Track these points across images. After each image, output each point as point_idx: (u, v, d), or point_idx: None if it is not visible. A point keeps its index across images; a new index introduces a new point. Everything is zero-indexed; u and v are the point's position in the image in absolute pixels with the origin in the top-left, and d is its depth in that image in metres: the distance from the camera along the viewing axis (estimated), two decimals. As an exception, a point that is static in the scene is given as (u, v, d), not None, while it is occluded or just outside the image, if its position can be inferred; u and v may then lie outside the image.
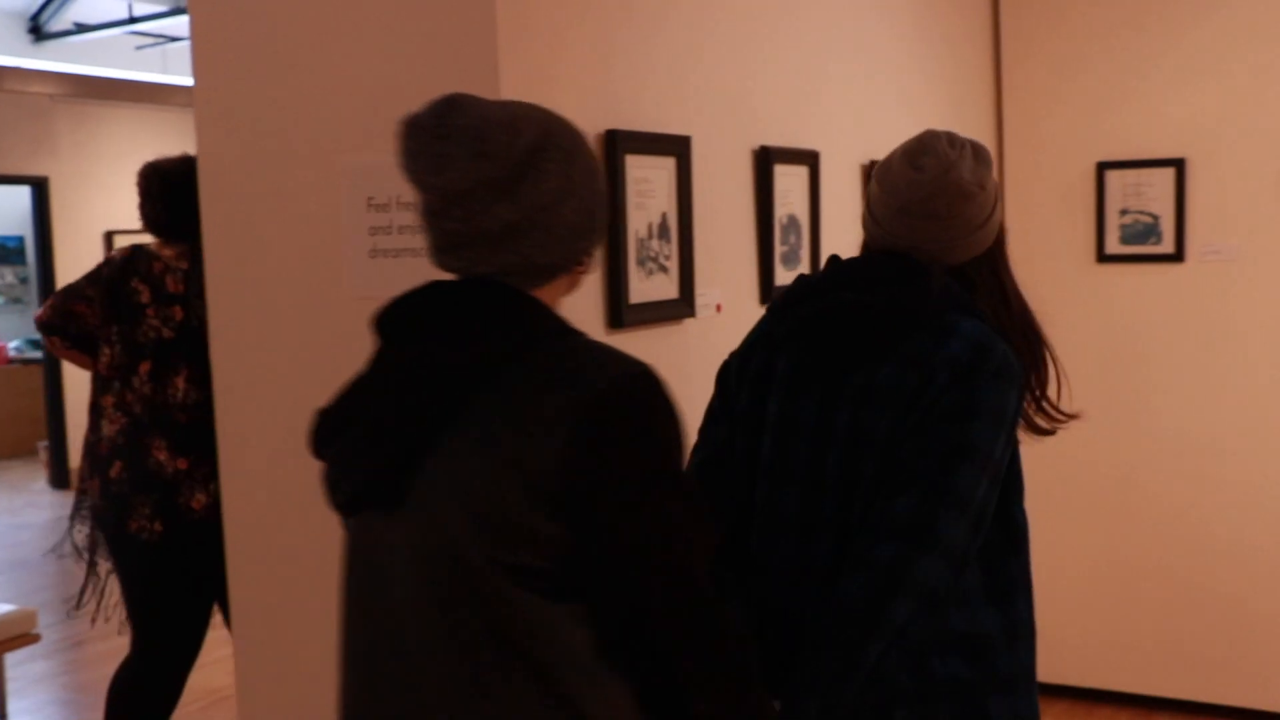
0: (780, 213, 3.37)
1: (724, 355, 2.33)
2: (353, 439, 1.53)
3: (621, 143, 2.69)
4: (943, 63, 4.57)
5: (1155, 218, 4.80)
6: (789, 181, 3.40)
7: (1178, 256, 4.77)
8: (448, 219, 1.53)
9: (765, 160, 3.28)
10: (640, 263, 2.78)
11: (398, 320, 1.57)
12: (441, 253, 1.58)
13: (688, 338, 3.00)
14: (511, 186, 1.51)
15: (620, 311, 2.71)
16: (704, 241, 3.03)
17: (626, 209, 2.72)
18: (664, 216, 2.87)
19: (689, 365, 3.00)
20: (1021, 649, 2.05)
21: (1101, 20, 4.86)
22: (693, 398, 2.98)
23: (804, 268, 3.50)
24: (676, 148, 2.89)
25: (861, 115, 3.88)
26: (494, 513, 1.42)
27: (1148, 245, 4.80)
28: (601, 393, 1.45)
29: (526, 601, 1.43)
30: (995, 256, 2.09)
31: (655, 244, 2.84)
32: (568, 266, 1.63)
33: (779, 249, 3.36)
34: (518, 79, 2.43)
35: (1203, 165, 4.72)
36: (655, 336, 2.86)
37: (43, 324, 3.64)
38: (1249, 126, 4.64)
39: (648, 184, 2.80)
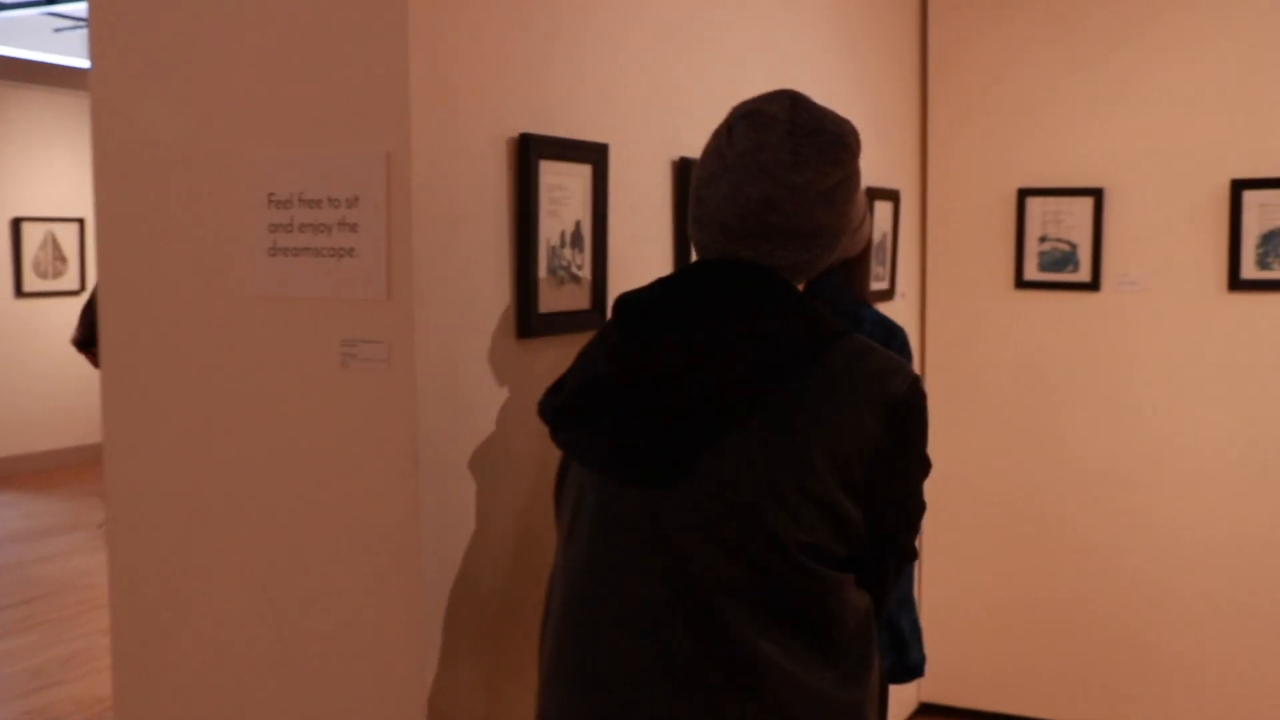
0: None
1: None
2: (637, 414, 1.56)
3: (535, 148, 2.61)
4: (868, 84, 4.56)
5: (1073, 246, 4.82)
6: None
7: (1094, 285, 4.79)
8: (775, 212, 1.60)
9: (686, 172, 3.21)
10: (551, 271, 2.71)
11: (676, 301, 1.62)
12: (737, 238, 1.64)
13: (598, 350, 2.92)
14: (833, 194, 1.62)
15: (529, 321, 2.63)
16: (619, 252, 2.96)
17: (539, 216, 2.65)
18: (578, 225, 2.80)
19: (599, 378, 2.93)
20: None
21: (1025, 47, 4.88)
22: None
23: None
24: (593, 155, 2.82)
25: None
26: (803, 493, 1.52)
27: (1065, 273, 4.82)
28: (905, 395, 1.60)
29: (821, 574, 1.56)
30: (862, 258, 2.29)
31: (568, 253, 2.77)
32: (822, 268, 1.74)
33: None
34: (427, 76, 2.35)
35: (1120, 195, 4.75)
36: (566, 346, 2.78)
37: (77, 343, 3.58)
38: (1165, 157, 4.67)
39: (562, 191, 2.73)
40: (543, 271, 2.68)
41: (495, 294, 2.57)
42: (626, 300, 1.71)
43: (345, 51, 2.38)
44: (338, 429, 2.45)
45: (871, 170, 4.51)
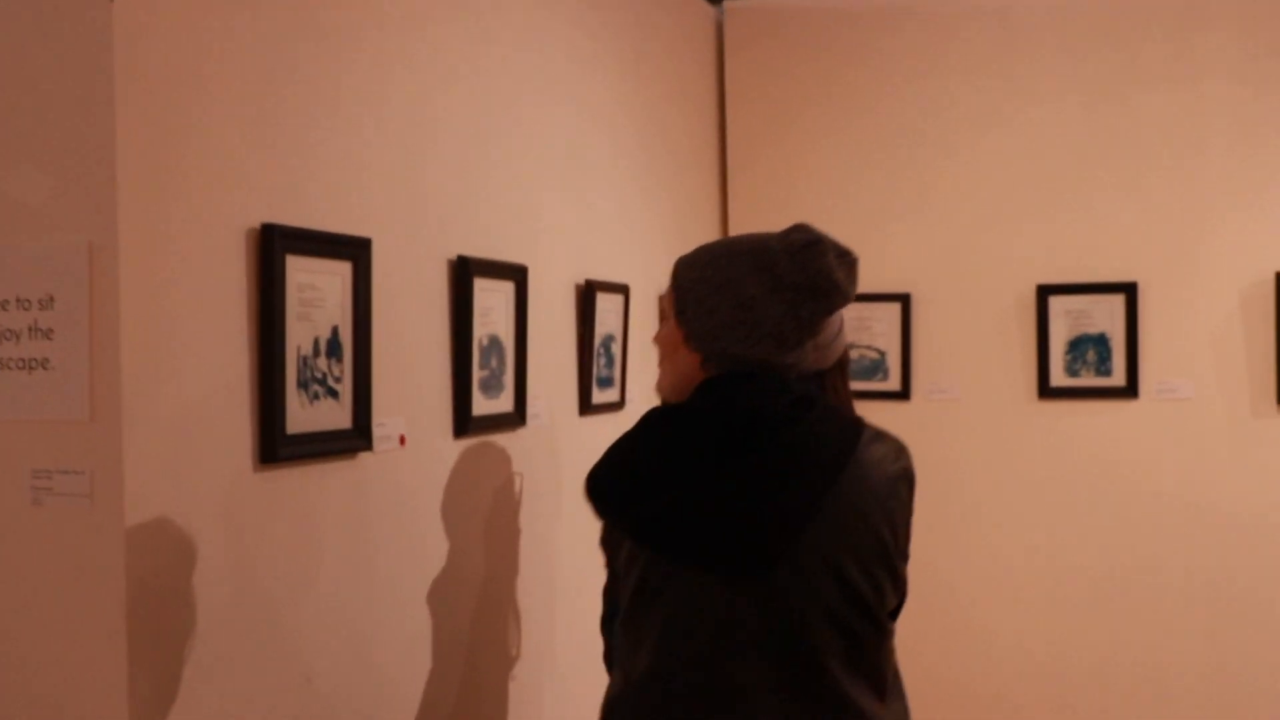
0: (480, 332, 2.96)
1: (410, 496, 1.89)
2: (744, 519, 1.78)
3: (280, 241, 2.23)
4: (665, 186, 4.31)
5: (882, 353, 4.63)
6: (491, 298, 3.01)
7: (904, 394, 4.60)
8: (824, 328, 1.92)
9: (464, 272, 2.87)
10: (302, 385, 2.31)
11: (763, 410, 1.82)
12: (789, 348, 1.89)
13: (364, 474, 2.53)
14: None
15: (274, 443, 2.22)
16: (387, 362, 2.59)
17: (285, 320, 2.26)
18: (335, 330, 2.41)
19: (364, 508, 2.52)
20: None
21: (822, 147, 4.73)
22: (374, 543, 2.54)
23: (508, 395, 3.09)
24: (353, 251, 2.45)
25: (575, 232, 3.53)
26: (879, 562, 1.83)
27: (875, 381, 4.62)
28: (910, 466, 1.93)
29: (888, 630, 1.89)
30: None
31: (323, 363, 2.38)
32: None
33: (477, 373, 2.94)
34: (140, 154, 1.96)
35: (927, 300, 4.60)
36: (319, 474, 2.38)
37: None
38: (972, 263, 4.55)
39: (314, 291, 2.35)
40: (291, 385, 2.28)
41: (232, 413, 2.16)
42: (680, 413, 1.88)
43: (40, 124, 1.97)
44: (27, 581, 1.99)
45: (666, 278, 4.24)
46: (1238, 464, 4.33)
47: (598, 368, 3.63)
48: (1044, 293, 4.47)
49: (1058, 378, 4.48)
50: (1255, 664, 4.31)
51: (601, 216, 3.73)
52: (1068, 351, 4.47)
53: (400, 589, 2.66)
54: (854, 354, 4.60)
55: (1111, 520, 4.44)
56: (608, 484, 1.91)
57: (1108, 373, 4.44)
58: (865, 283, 4.13)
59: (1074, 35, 4.48)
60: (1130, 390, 4.41)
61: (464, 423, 2.89)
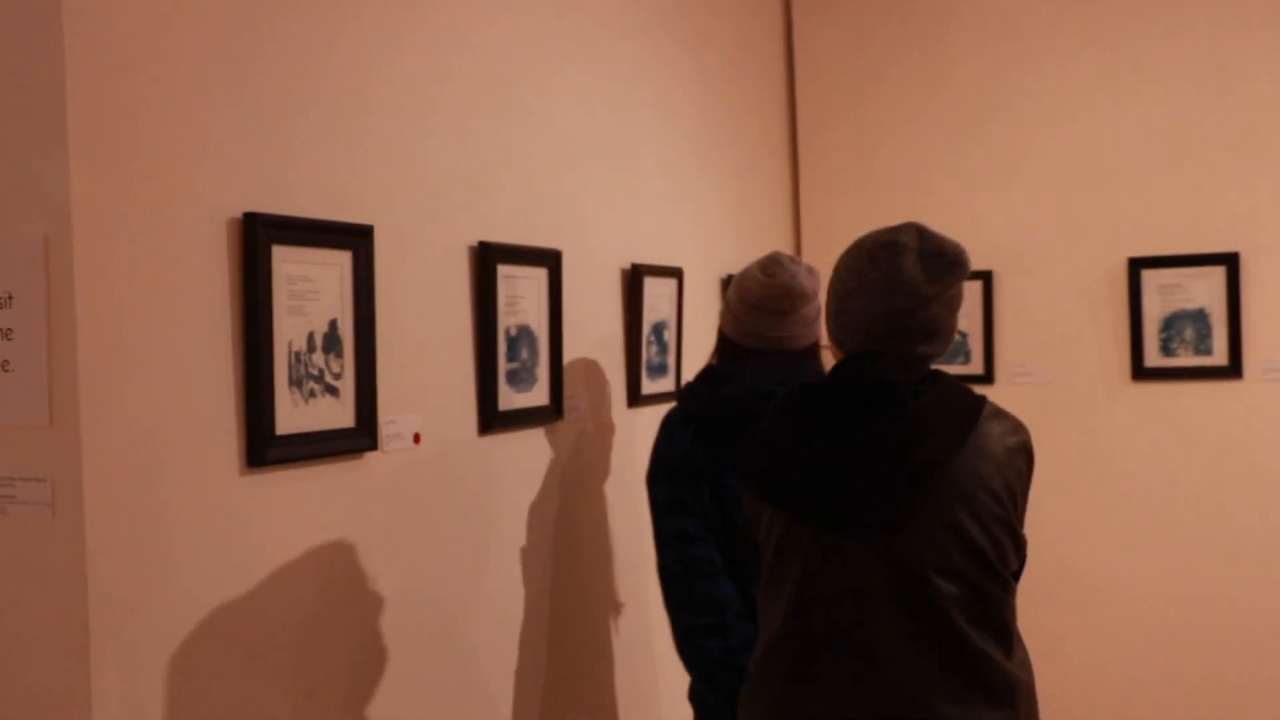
0: (508, 322, 2.81)
1: (428, 496, 1.73)
2: (877, 481, 1.92)
3: (266, 230, 2.10)
4: (733, 164, 4.12)
5: (963, 335, 4.39)
6: (520, 285, 2.85)
7: (987, 377, 4.36)
8: (911, 318, 2.00)
9: (486, 258, 2.72)
10: (295, 383, 2.18)
11: (879, 374, 1.97)
12: (876, 339, 2.02)
13: (371, 475, 2.39)
14: (952, 301, 2.06)
15: (262, 445, 2.10)
16: (397, 357, 2.45)
17: (273, 314, 2.13)
18: (333, 324, 2.28)
19: (371, 509, 2.39)
20: None
21: (897, 118, 4.49)
22: (383, 546, 2.31)
23: (542, 388, 2.94)
24: (352, 240, 2.31)
25: (619, 213, 3.36)
26: (997, 521, 1.95)
27: (955, 364, 4.38)
28: (1028, 441, 2.04)
29: (1009, 583, 1.98)
30: (816, 348, 2.63)
31: (320, 359, 2.25)
32: None
33: (504, 365, 2.79)
34: (97, 137, 1.84)
35: (1011, 277, 4.34)
36: (319, 476, 2.25)
37: None
38: (1058, 236, 4.28)
39: (307, 283, 2.22)
40: (281, 383, 2.15)
41: (211, 414, 2.04)
42: (820, 385, 2.05)
43: (-9, 110, 1.86)
44: (-8, 595, 1.89)
45: (734, 258, 4.05)
46: (1352, 448, 4.00)
47: (649, 355, 3.45)
48: (1136, 266, 4.18)
49: (1152, 357, 4.18)
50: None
51: (650, 197, 3.55)
52: (1163, 329, 4.17)
53: (412, 592, 2.52)
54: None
55: (1216, 511, 4.14)
56: (754, 457, 2.06)
57: (1208, 351, 4.13)
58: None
59: (1173, 3, 4.18)
60: (1234, 370, 4.10)
61: (490, 418, 2.74)
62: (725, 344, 2.65)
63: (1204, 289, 4.11)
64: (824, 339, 2.37)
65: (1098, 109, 4.26)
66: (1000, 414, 2.02)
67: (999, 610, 1.96)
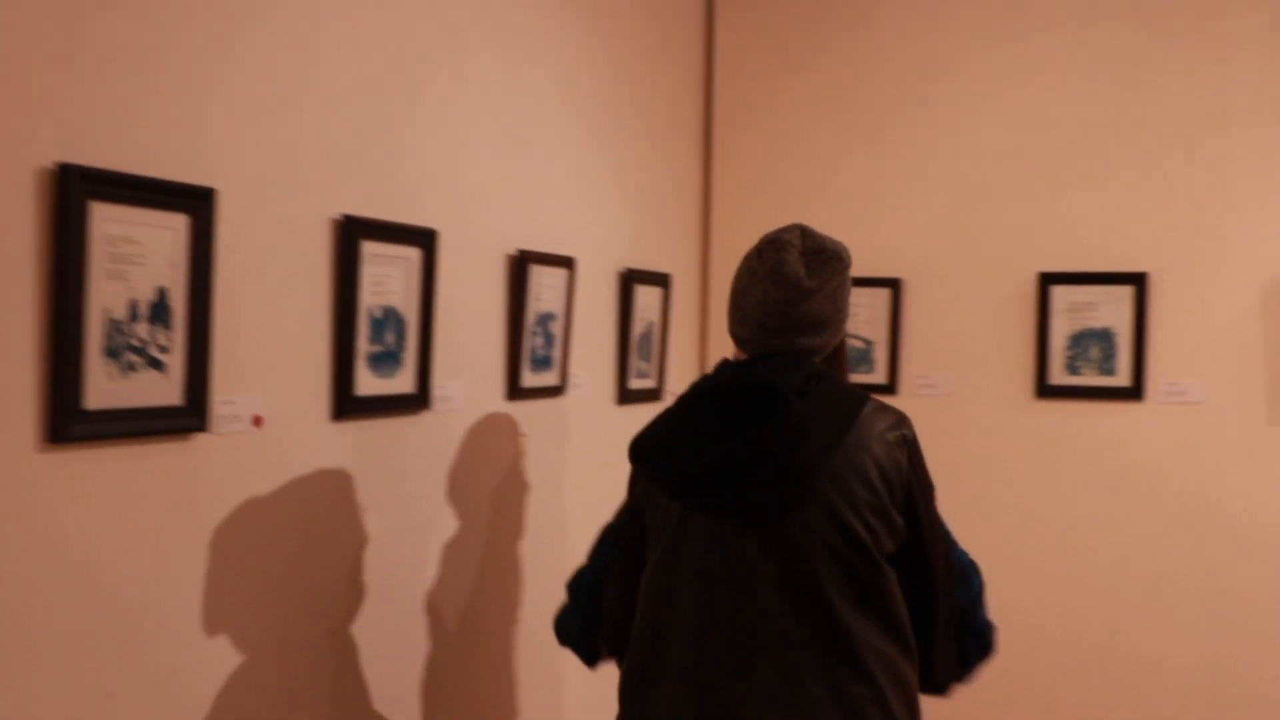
0: (371, 302, 2.64)
1: (263, 484, 1.56)
2: (766, 477, 2.07)
3: (79, 184, 1.92)
4: (638, 162, 3.96)
5: (868, 343, 4.27)
6: (388, 265, 2.68)
7: (890, 388, 4.24)
8: (794, 309, 2.17)
9: (350, 233, 2.55)
10: (111, 353, 2.00)
11: (766, 377, 2.10)
12: (770, 332, 2.19)
13: (197, 458, 2.21)
14: (835, 294, 2.23)
15: (65, 420, 1.91)
16: (239, 332, 2.27)
17: (86, 277, 1.94)
18: (162, 293, 2.10)
19: (197, 495, 2.21)
20: None
21: (810, 123, 4.37)
22: (204, 537, 1.97)
23: (408, 374, 2.77)
24: (189, 202, 2.13)
25: (508, 198, 3.20)
26: (873, 511, 2.10)
27: (859, 373, 4.26)
28: (914, 437, 2.20)
29: (882, 566, 2.12)
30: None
31: (143, 329, 2.06)
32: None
33: (365, 348, 2.62)
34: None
35: (919, 286, 4.23)
36: (134, 456, 2.06)
37: None
38: (967, 247, 4.17)
39: (132, 246, 2.03)
40: (93, 352, 1.97)
41: (7, 381, 1.85)
42: (710, 385, 2.19)
43: None
44: None
45: (636, 252, 3.90)
46: (1250, 475, 3.92)
47: (532, 347, 3.29)
48: (1046, 281, 4.09)
49: (1057, 375, 4.09)
50: (1262, 679, 3.91)
51: (544, 182, 3.39)
52: (1069, 347, 4.08)
53: (236, 587, 2.35)
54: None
55: (1113, 532, 4.05)
56: (649, 448, 2.19)
57: (1111, 371, 4.04)
58: (855, 267, 3.76)
59: (1088, 5, 4.08)
60: (1135, 391, 4.01)
61: (345, 403, 2.57)
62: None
63: (1112, 308, 4.03)
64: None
65: (1012, 120, 4.16)
66: (882, 409, 2.19)
67: (880, 596, 2.12)
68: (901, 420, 2.20)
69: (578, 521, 3.62)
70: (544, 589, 3.43)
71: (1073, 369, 4.07)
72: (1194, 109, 3.98)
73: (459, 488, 3.00)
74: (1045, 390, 4.10)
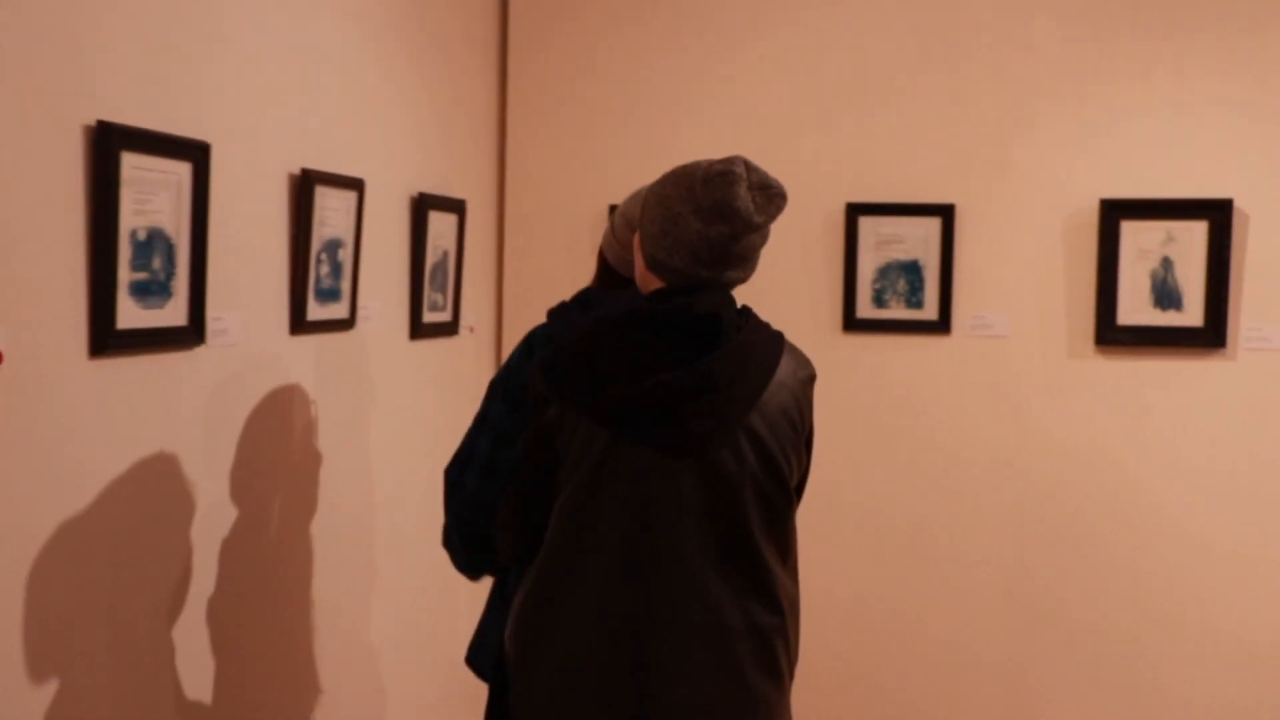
0: (134, 223, 2.31)
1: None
2: (701, 410, 2.08)
3: None
4: (429, 76, 3.67)
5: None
6: (153, 180, 2.36)
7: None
8: (736, 243, 2.14)
9: (105, 143, 2.22)
10: None
11: (695, 312, 2.10)
12: (703, 264, 2.14)
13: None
14: (766, 230, 2.21)
15: None
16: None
17: None
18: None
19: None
20: None
21: (611, 40, 4.15)
22: None
23: (178, 305, 2.45)
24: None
25: (289, 112, 2.89)
26: (793, 446, 2.20)
27: (662, 306, 4.09)
28: (814, 372, 2.31)
29: (794, 502, 2.25)
30: None
31: None
32: None
33: (128, 275, 2.30)
34: None
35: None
36: None
37: None
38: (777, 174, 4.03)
39: None
40: None
41: None
42: (649, 312, 2.12)
43: None
44: None
45: (426, 176, 3.63)
46: (1051, 409, 3.93)
47: (317, 276, 3.00)
48: (854, 212, 3.99)
49: (864, 309, 4.01)
50: (1052, 614, 3.96)
51: (331, 99, 3.09)
52: (876, 280, 4.00)
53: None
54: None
55: (916, 465, 4.02)
56: (570, 372, 2.11)
57: (919, 305, 3.98)
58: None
59: (898, -77, 3.97)
60: (942, 325, 3.97)
61: (105, 337, 2.25)
62: (606, 271, 2.46)
63: (919, 239, 3.96)
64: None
65: (817, 48, 4.04)
66: (793, 349, 2.26)
67: (783, 524, 2.21)
68: (808, 361, 2.28)
69: (374, 466, 3.36)
70: (340, 546, 3.17)
71: (880, 302, 4.00)
72: (1001, 38, 3.92)
73: (238, 431, 2.70)
74: (852, 324, 4.01)
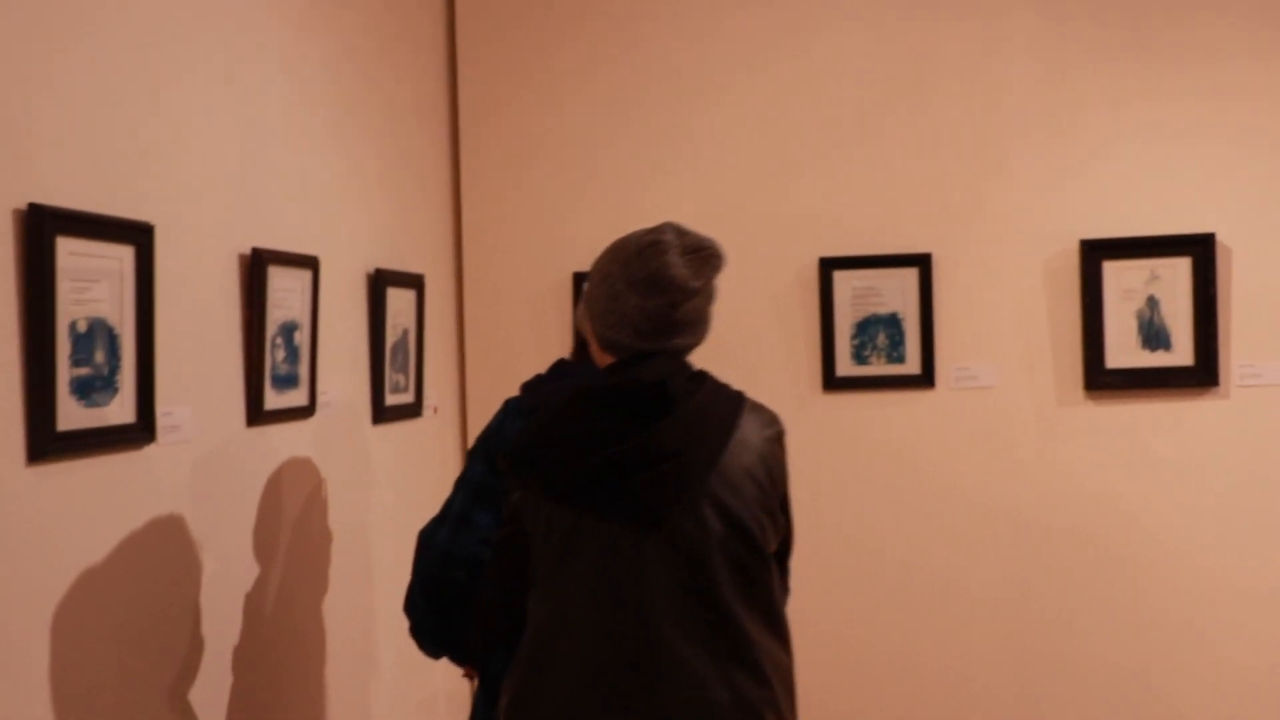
0: (75, 314, 2.11)
1: None
2: (655, 480, 2.04)
3: None
4: (383, 148, 3.51)
5: (642, 341, 3.94)
6: (93, 266, 2.16)
7: (669, 388, 3.92)
8: (678, 310, 2.13)
9: (38, 227, 2.02)
10: None
11: (655, 377, 2.07)
12: (646, 336, 2.14)
13: None
14: (710, 291, 2.20)
15: None
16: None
17: None
18: None
19: None
20: None
21: (565, 107, 4.01)
22: None
23: (125, 400, 2.25)
24: None
25: (237, 190, 2.71)
26: (763, 509, 2.12)
27: (634, 374, 3.92)
28: (782, 429, 2.22)
29: (771, 565, 2.16)
30: None
31: None
32: None
33: (68, 371, 2.10)
34: None
35: (695, 278, 3.92)
36: None
37: None
38: (740, 236, 3.90)
39: None
40: None
41: None
42: (598, 388, 2.10)
43: None
44: None
45: (382, 251, 3.45)
46: (1044, 457, 3.79)
47: (274, 363, 2.80)
48: (827, 267, 3.85)
49: (844, 366, 3.86)
50: (1057, 664, 3.78)
51: (281, 176, 2.91)
52: (855, 335, 3.85)
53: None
54: (609, 342, 3.90)
55: (908, 524, 3.86)
56: (531, 454, 2.11)
57: (900, 359, 3.84)
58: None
59: (855, -27, 3.88)
60: (926, 379, 3.83)
61: (45, 441, 2.04)
62: (583, 344, 2.42)
63: (897, 291, 3.82)
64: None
65: (780, 98, 3.92)
66: (757, 407, 2.20)
67: (767, 593, 2.13)
68: (775, 418, 2.22)
69: (341, 558, 3.15)
70: (309, 642, 2.95)
71: (860, 358, 3.85)
72: (969, 79, 3.83)
73: (195, 533, 2.49)
74: (833, 382, 3.86)
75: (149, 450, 2.34)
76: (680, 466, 2.04)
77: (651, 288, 2.10)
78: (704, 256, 2.12)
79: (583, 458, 2.05)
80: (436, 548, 2.25)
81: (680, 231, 2.15)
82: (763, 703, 2.08)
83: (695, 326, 2.16)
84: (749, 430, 2.13)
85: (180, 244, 2.45)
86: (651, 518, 2.05)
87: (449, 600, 2.24)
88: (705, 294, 2.15)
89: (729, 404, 2.14)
